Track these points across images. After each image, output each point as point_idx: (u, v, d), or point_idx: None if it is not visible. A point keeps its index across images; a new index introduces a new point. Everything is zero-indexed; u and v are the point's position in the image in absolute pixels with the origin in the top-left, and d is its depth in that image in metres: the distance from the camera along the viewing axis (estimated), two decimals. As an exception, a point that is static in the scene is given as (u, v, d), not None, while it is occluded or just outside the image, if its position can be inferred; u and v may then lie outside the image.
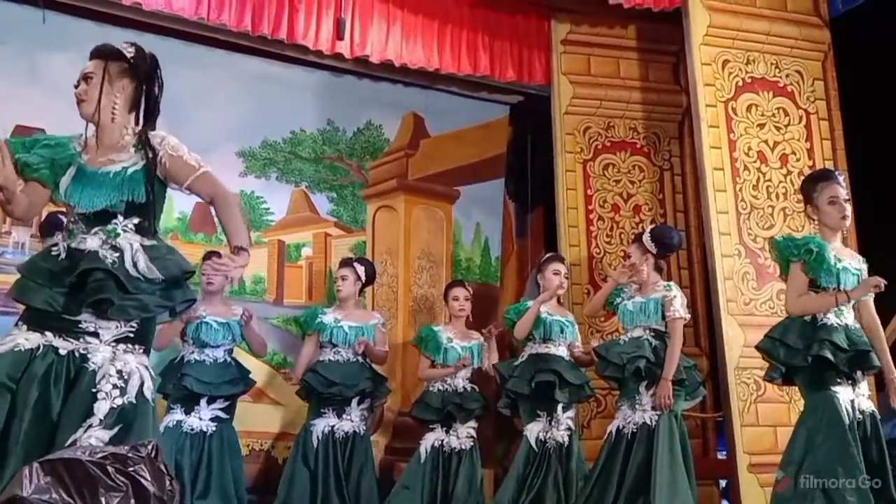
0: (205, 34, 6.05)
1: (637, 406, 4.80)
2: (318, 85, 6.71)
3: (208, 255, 5.19)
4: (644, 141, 6.80)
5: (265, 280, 6.32)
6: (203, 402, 5.03)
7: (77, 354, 2.82)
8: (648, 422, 4.74)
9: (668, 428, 4.73)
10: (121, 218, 2.94)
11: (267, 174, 6.49)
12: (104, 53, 3.06)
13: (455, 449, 5.37)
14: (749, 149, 6.02)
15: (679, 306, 4.89)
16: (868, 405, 3.97)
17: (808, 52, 6.32)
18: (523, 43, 6.77)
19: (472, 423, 5.47)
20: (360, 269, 5.48)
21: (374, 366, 5.42)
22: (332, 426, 5.21)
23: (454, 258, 7.01)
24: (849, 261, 4.04)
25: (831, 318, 3.95)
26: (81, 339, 2.84)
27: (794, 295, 3.99)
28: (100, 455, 2.31)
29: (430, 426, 5.41)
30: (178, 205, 6.11)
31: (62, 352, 2.81)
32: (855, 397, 3.91)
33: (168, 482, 2.37)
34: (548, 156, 6.76)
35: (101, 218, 2.92)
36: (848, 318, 4.00)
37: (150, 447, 2.38)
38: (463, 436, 5.41)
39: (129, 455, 2.35)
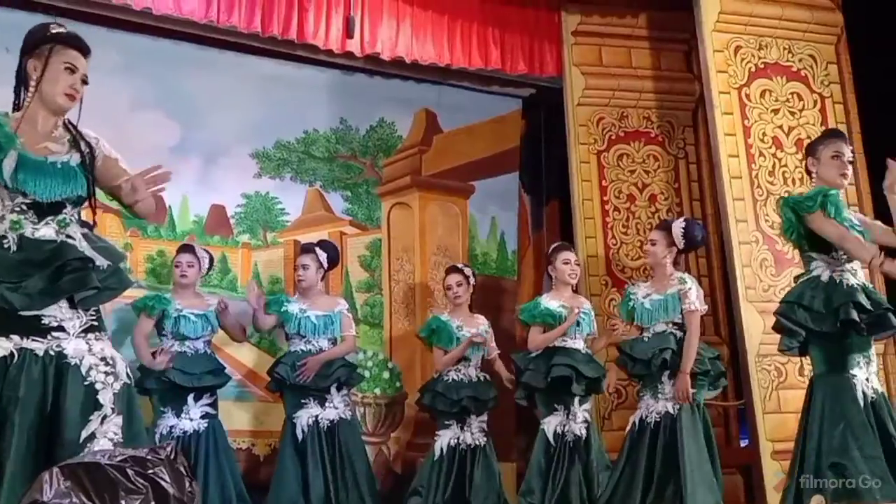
0: (215, 37, 6.06)
1: (659, 395, 4.79)
2: (330, 84, 6.70)
3: (182, 248, 5.23)
4: (658, 130, 6.77)
5: (282, 280, 6.33)
6: (190, 399, 5.01)
7: (52, 353, 2.77)
8: (671, 410, 4.74)
9: (691, 418, 4.72)
10: (69, 208, 2.92)
11: (281, 175, 6.50)
12: (89, 54, 3.02)
13: (470, 446, 5.35)
14: (764, 135, 5.98)
15: (695, 298, 4.87)
16: (878, 385, 3.90)
17: (821, 36, 6.28)
18: (534, 35, 6.75)
19: (484, 417, 5.44)
20: (323, 256, 5.41)
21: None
22: (316, 416, 5.15)
23: (470, 253, 7.00)
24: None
25: (849, 278, 3.88)
26: (49, 336, 2.79)
27: (837, 235, 3.82)
28: (119, 458, 2.32)
29: (446, 422, 5.39)
30: (193, 207, 6.14)
31: (38, 353, 2.76)
32: (869, 375, 3.84)
33: (188, 483, 2.38)
34: (561, 148, 6.74)
35: (53, 208, 2.88)
36: (862, 277, 3.93)
37: (169, 449, 2.39)
38: (476, 431, 5.39)
39: (149, 457, 2.36)
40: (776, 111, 6.06)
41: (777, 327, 4.11)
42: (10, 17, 5.31)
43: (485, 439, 5.40)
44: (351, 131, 6.76)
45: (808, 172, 4.13)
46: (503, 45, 6.65)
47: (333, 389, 5.23)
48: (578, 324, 5.27)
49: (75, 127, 3.01)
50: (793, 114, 6.09)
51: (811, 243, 3.98)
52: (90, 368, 2.79)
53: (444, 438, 5.36)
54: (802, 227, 3.94)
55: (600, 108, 6.67)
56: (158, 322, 5.12)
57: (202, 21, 5.75)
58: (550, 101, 6.99)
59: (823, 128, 6.08)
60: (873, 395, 3.82)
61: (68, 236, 2.89)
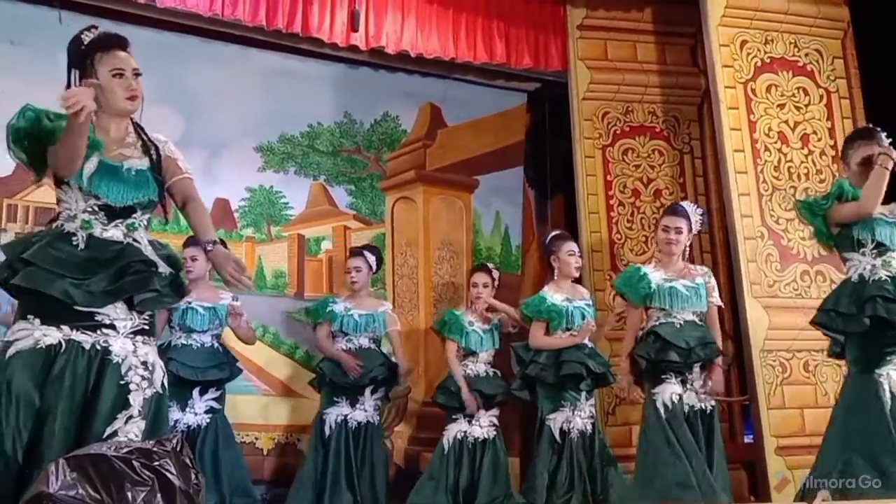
0: (220, 30, 6.05)
1: (688, 387, 4.68)
2: (334, 78, 6.70)
3: (188, 242, 5.21)
4: (663, 125, 6.74)
5: (286, 274, 6.33)
6: (195, 393, 5.00)
7: (99, 347, 2.82)
8: (704, 406, 4.69)
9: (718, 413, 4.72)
10: (139, 213, 3.00)
11: (285, 168, 6.50)
12: (127, 45, 3.06)
13: (479, 439, 5.36)
14: (769, 130, 5.97)
15: (717, 294, 4.86)
16: None
17: (828, 31, 6.26)
18: (539, 29, 6.73)
19: (495, 411, 5.45)
20: (372, 259, 5.54)
21: (388, 354, 5.47)
22: (346, 415, 5.24)
23: (474, 248, 6.99)
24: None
25: (880, 272, 3.81)
26: (99, 332, 2.84)
27: (855, 208, 3.79)
28: (125, 450, 2.32)
29: (454, 416, 5.40)
30: (199, 201, 6.12)
31: (86, 346, 2.81)
32: None
33: (193, 476, 2.38)
34: (566, 142, 6.72)
35: (124, 211, 2.96)
36: None
37: (174, 441, 2.38)
38: (486, 425, 5.39)
39: (155, 449, 2.36)
40: (782, 106, 6.05)
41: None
42: (14, 9, 5.31)
43: (495, 433, 5.40)
44: (355, 125, 6.75)
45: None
46: (508, 39, 6.63)
47: (367, 391, 5.28)
48: (583, 317, 5.22)
49: (144, 131, 3.09)
50: (798, 109, 6.08)
51: (840, 243, 3.94)
52: (129, 369, 2.84)
53: (451, 432, 5.38)
54: (827, 228, 3.90)
55: (605, 103, 6.64)
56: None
57: (207, 14, 5.74)
58: (555, 95, 6.98)
59: (829, 123, 6.09)
60: None
61: (135, 240, 2.97)
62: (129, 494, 2.23)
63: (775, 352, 5.52)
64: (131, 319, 2.91)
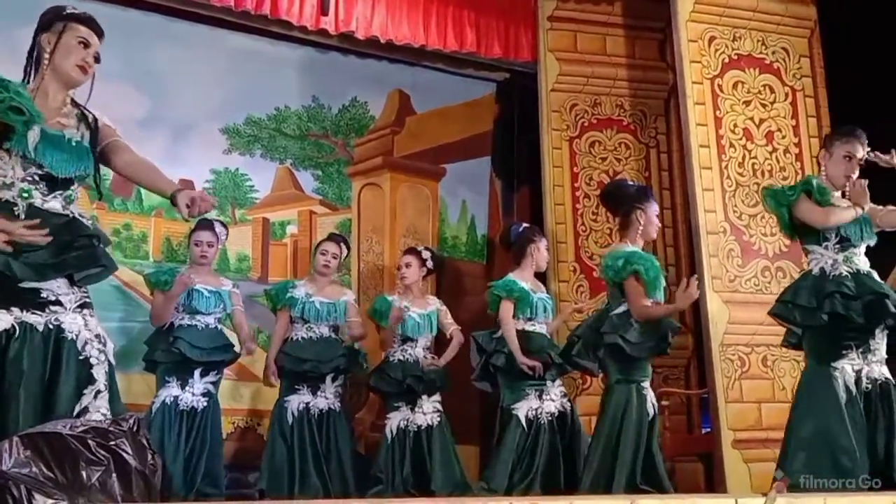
0: (188, 9, 5.99)
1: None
2: (303, 61, 6.65)
3: (202, 225, 5.17)
4: (630, 118, 6.78)
5: (250, 258, 6.29)
6: (196, 373, 4.98)
7: (51, 326, 2.79)
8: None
9: None
10: (75, 185, 2.98)
11: (251, 151, 6.45)
12: (103, 35, 3.08)
13: (422, 426, 5.30)
14: (735, 126, 6.01)
15: None
16: (881, 372, 3.85)
17: (795, 29, 6.32)
18: (510, 19, 6.74)
19: (437, 397, 5.39)
20: (344, 249, 5.53)
21: (347, 342, 5.42)
22: (307, 403, 5.19)
23: (440, 236, 6.99)
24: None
25: (841, 267, 3.84)
26: (47, 310, 2.80)
27: (821, 217, 3.83)
28: (81, 429, 2.30)
29: (395, 403, 5.35)
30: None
31: (39, 327, 2.77)
32: (865, 365, 3.80)
33: (150, 456, 2.36)
34: (534, 133, 6.73)
35: (64, 183, 2.92)
36: (860, 263, 3.89)
37: (131, 421, 2.36)
38: (429, 411, 5.34)
39: (111, 429, 2.34)
40: (748, 103, 6.09)
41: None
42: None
43: (439, 419, 5.34)
44: (323, 110, 6.71)
45: (819, 163, 4.10)
46: (479, 28, 6.63)
47: (328, 379, 5.24)
48: (545, 309, 5.26)
49: (81, 105, 3.06)
50: (764, 106, 6.13)
51: (803, 234, 3.97)
52: (86, 343, 2.82)
53: (394, 421, 5.32)
54: (790, 219, 3.93)
55: (574, 95, 6.67)
56: None
57: (175, -8, 5.68)
58: (524, 86, 6.98)
59: (794, 121, 6.15)
60: (868, 386, 3.78)
61: (73, 213, 2.93)
62: (84, 473, 2.21)
63: (734, 346, 5.57)
64: (74, 293, 2.87)
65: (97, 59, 3.02)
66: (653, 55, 6.89)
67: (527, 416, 5.05)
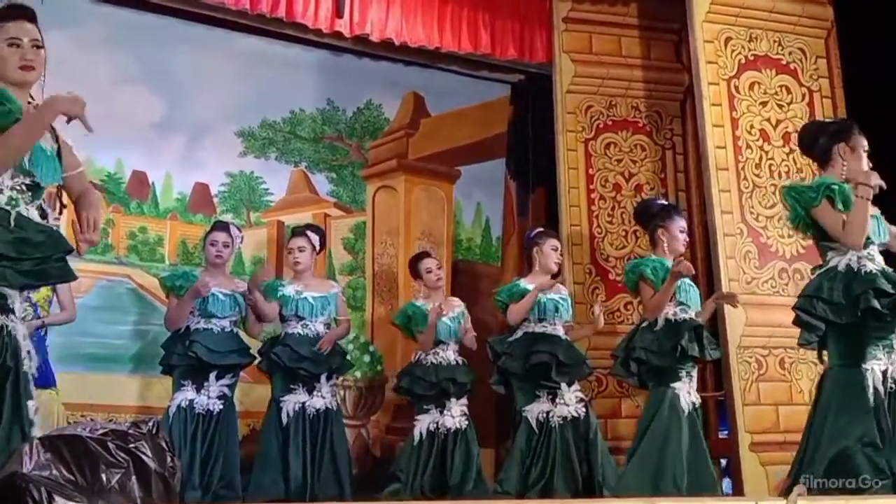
0: (203, 13, 6.00)
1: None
2: (318, 64, 6.66)
3: (218, 227, 5.17)
4: (646, 120, 6.76)
5: (264, 261, 6.29)
6: (212, 377, 4.98)
7: (11, 333, 2.75)
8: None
9: None
10: (44, 194, 2.92)
11: (266, 154, 6.46)
12: (34, 17, 2.91)
13: (451, 429, 5.31)
14: (751, 127, 5.98)
15: None
16: None
17: (811, 30, 6.28)
18: (524, 21, 6.72)
19: (464, 401, 5.41)
20: (316, 239, 5.42)
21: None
22: (303, 403, 5.14)
23: (455, 238, 6.98)
24: None
25: (868, 264, 3.71)
26: (7, 315, 2.76)
27: (839, 229, 3.69)
28: (101, 431, 2.29)
29: (425, 406, 5.35)
30: (176, 185, 6.09)
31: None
32: (889, 364, 3.69)
33: (169, 458, 2.35)
34: (549, 135, 6.71)
35: (41, 192, 2.87)
36: (881, 260, 3.78)
37: (150, 423, 2.36)
38: (457, 414, 5.35)
39: (130, 431, 2.33)
40: (764, 104, 6.06)
41: (796, 322, 3.91)
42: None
43: (466, 423, 5.36)
44: (338, 112, 6.72)
45: (828, 159, 3.88)
46: (493, 29, 6.61)
47: (323, 378, 5.21)
48: (557, 310, 5.25)
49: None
50: (781, 107, 6.10)
51: (822, 233, 3.83)
52: (27, 354, 2.80)
53: (424, 423, 5.33)
54: (809, 217, 3.80)
55: (589, 96, 6.64)
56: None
57: (190, -4, 5.70)
58: (539, 87, 6.97)
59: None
60: (892, 386, 3.67)
61: (49, 223, 2.90)
62: (104, 476, 2.20)
63: (752, 348, 5.54)
64: (20, 302, 2.84)
65: (38, 47, 2.85)
66: (668, 56, 6.86)
67: (537, 419, 5.07)
